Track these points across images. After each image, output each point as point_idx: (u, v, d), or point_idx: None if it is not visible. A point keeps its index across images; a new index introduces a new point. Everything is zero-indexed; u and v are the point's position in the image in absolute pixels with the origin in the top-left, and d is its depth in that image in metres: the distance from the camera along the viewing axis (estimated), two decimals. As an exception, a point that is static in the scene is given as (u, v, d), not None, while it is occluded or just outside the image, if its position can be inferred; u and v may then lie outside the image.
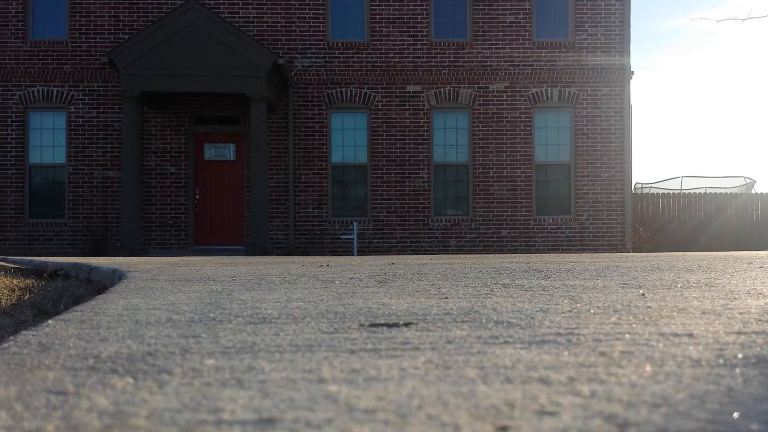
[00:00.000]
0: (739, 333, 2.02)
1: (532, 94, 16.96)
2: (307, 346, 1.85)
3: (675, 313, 2.47)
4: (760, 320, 2.29)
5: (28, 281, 5.69)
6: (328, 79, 16.77)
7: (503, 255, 11.81)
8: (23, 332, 2.08)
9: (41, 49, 16.63)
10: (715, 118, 66.94)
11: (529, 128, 16.96)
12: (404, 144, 16.85)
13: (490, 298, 3.09)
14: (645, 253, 12.42)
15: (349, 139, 16.94)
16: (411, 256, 10.87)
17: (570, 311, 2.55)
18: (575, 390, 1.34)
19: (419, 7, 16.98)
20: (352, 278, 4.41)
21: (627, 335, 1.99)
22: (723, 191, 20.54)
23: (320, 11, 16.88)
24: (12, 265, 7.38)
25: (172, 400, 1.28)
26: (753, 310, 2.55)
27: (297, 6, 16.85)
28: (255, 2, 16.82)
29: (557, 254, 11.99)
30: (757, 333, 2.02)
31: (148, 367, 1.57)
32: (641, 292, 3.32)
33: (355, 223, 16.45)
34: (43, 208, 16.63)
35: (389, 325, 2.22)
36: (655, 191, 21.06)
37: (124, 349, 1.80)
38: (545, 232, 16.94)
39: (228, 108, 16.70)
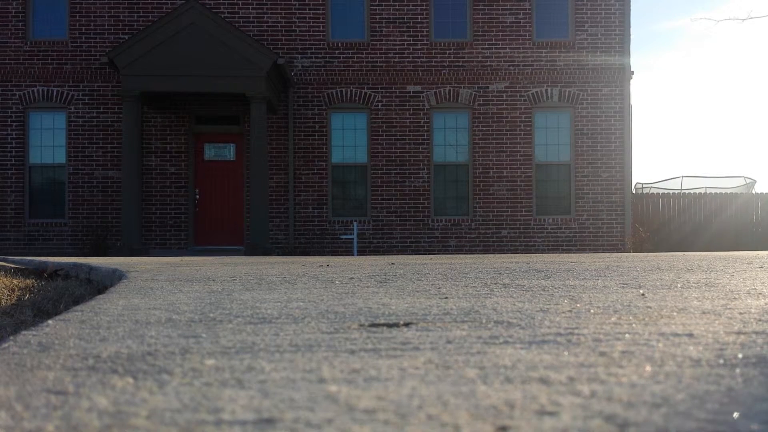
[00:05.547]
0: (739, 333, 2.02)
1: (532, 94, 16.96)
2: (307, 346, 1.85)
3: (675, 313, 2.47)
4: (760, 320, 2.29)
5: (28, 281, 5.69)
6: (328, 79, 16.78)
7: (503, 255, 11.81)
8: (23, 332, 2.08)
9: (41, 49, 16.63)
10: (715, 118, 66.95)
11: (529, 128, 16.97)
12: (404, 144, 16.85)
13: (490, 298, 3.09)
14: (645, 253, 12.41)
15: (349, 139, 16.94)
16: (411, 256, 10.86)
17: (570, 311, 2.55)
18: (575, 390, 1.34)
19: (419, 7, 16.98)
20: (352, 278, 4.40)
21: (627, 335, 1.99)
22: (723, 191, 20.53)
23: (320, 11, 16.88)
24: (12, 265, 7.38)
25: (172, 400, 1.28)
26: (753, 310, 2.55)
27: (297, 6, 16.86)
28: (255, 2, 16.82)
29: (557, 254, 11.99)
30: (757, 333, 2.02)
31: (148, 367, 1.57)
32: (641, 292, 3.32)
33: (355, 223, 16.46)
34: (43, 208, 16.63)
35: (389, 325, 2.22)
36: (655, 191, 21.04)
37: (124, 349, 1.80)
38: (545, 232, 16.94)
39: (228, 108, 16.71)
